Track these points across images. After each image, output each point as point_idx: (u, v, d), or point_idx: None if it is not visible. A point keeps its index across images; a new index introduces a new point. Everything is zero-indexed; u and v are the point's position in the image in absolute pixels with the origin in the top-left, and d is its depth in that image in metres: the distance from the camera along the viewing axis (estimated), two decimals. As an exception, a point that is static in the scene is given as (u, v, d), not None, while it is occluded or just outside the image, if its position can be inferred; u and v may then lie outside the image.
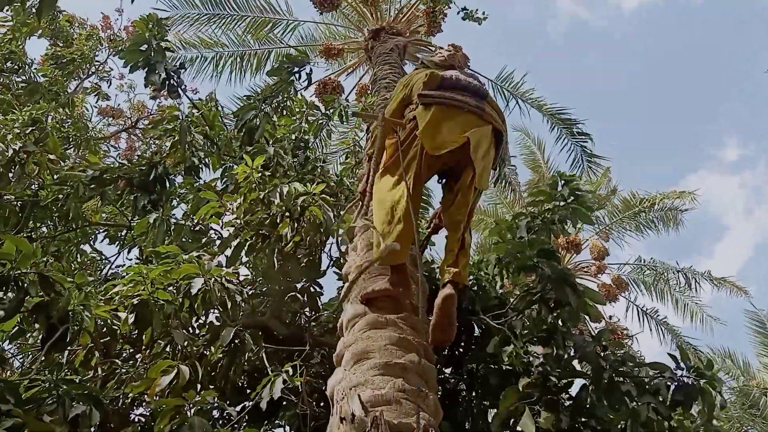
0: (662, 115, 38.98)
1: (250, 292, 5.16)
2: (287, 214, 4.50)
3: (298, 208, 4.47)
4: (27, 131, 5.64)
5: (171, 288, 3.79)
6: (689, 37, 38.75)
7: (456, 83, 3.87)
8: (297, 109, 6.77)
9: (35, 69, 8.01)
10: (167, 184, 6.04)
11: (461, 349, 4.77)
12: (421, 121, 3.73)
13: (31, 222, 5.91)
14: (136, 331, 3.89)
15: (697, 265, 14.79)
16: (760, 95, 37.78)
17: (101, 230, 6.76)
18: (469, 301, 4.66)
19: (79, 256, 6.62)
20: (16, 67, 7.72)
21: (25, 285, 3.26)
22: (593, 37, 40.21)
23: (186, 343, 3.96)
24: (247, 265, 5.27)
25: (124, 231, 6.51)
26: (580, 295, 4.08)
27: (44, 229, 6.36)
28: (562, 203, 4.54)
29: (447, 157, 3.73)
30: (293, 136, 6.46)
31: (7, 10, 6.97)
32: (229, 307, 3.76)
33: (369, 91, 8.65)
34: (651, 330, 14.74)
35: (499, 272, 4.66)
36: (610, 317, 13.99)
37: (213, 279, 3.84)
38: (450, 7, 7.50)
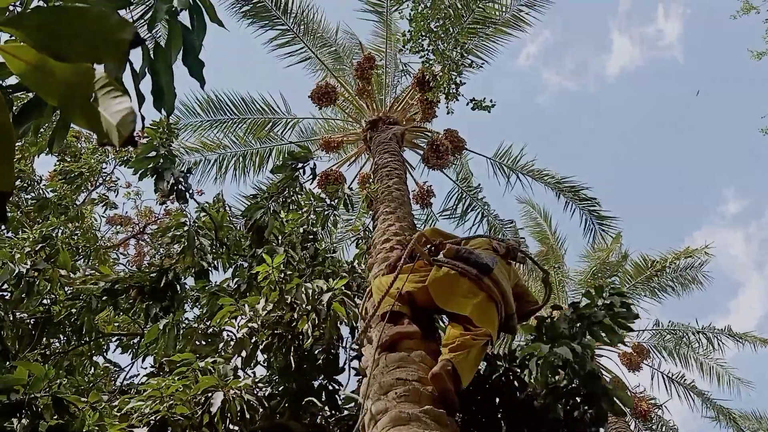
0: (657, 175, 39.34)
1: (267, 393, 5.04)
2: (312, 313, 4.45)
3: (324, 307, 4.43)
4: (37, 248, 5.70)
5: (189, 401, 3.70)
6: (674, 94, 39.65)
7: (469, 257, 4.78)
8: (304, 203, 6.85)
9: (44, 185, 8.19)
10: (178, 290, 6.04)
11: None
12: (433, 276, 4.67)
13: (44, 338, 5.87)
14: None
15: (715, 324, 14.41)
16: (753, 146, 38.22)
17: (114, 340, 6.71)
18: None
19: (93, 368, 6.53)
20: (25, 185, 7.90)
21: (39, 409, 3.19)
22: (582, 106, 41.20)
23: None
24: (263, 363, 5.18)
25: (137, 339, 6.45)
26: (609, 396, 3.97)
27: (57, 343, 6.31)
28: (602, 311, 4.40)
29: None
30: (301, 230, 6.50)
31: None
32: (247, 417, 3.65)
33: (371, 179, 8.78)
34: (679, 396, 14.28)
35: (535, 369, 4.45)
36: (636, 386, 13.60)
37: (232, 392, 3.76)
38: (458, 100, 7.70)
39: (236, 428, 4.13)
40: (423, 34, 7.26)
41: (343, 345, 5.21)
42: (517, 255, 5.43)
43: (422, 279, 4.73)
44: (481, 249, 5.09)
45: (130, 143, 1.07)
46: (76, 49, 1.08)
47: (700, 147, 38.89)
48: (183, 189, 5.77)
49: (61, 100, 1.11)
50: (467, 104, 7.75)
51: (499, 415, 4.43)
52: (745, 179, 37.85)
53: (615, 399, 4.05)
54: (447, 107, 8.05)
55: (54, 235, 5.80)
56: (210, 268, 6.15)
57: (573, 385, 4.05)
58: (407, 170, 9.80)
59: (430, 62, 7.44)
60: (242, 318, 4.76)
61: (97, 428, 3.35)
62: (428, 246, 5.24)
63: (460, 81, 7.65)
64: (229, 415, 3.71)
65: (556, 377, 4.22)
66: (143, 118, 2.28)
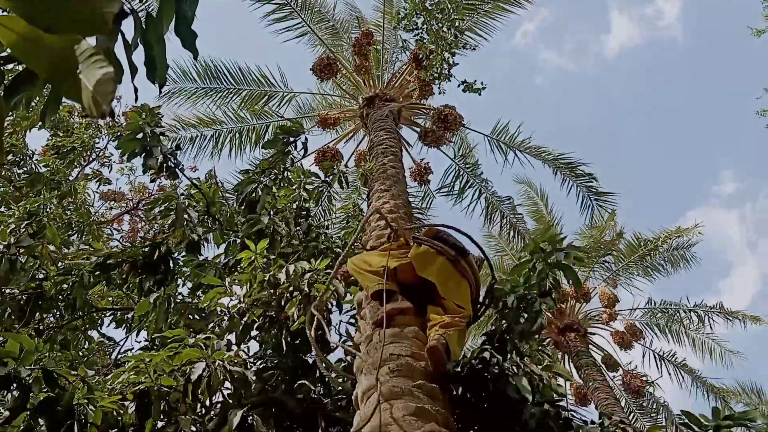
0: (654, 155, 39.32)
1: (260, 366, 5.06)
2: (295, 292, 4.45)
3: (306, 287, 4.42)
4: (23, 225, 5.64)
5: (175, 373, 3.70)
6: (674, 74, 39.49)
7: (447, 239, 4.96)
8: (294, 179, 6.82)
9: (36, 160, 8.12)
10: (171, 264, 6.02)
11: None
12: (416, 249, 4.86)
13: (36, 314, 5.85)
14: (138, 419, 3.78)
15: (704, 300, 14.57)
16: (751, 127, 38.16)
17: (108, 315, 6.70)
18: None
19: (87, 343, 6.54)
20: (17, 159, 7.82)
21: (29, 382, 3.18)
22: (580, 85, 40.99)
23: (193, 429, 3.84)
24: (256, 339, 5.19)
25: (131, 314, 6.45)
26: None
27: (50, 318, 6.30)
28: (547, 265, 4.51)
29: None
30: (294, 206, 6.48)
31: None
32: (233, 389, 3.65)
33: (367, 157, 8.74)
34: (670, 374, 14.45)
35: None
36: (628, 364, 13.74)
37: (216, 363, 3.76)
38: (450, 81, 7.70)
39: (228, 401, 4.15)
40: (417, 12, 7.18)
41: (331, 325, 5.23)
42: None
43: (404, 255, 4.88)
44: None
45: (109, 114, 1.06)
46: (64, 22, 1.08)
47: (698, 127, 38.85)
48: (173, 165, 5.72)
49: (49, 71, 1.12)
50: (458, 86, 7.75)
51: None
52: (743, 160, 37.88)
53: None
54: (439, 88, 8.02)
55: (40, 211, 5.74)
56: (201, 241, 6.12)
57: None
58: (404, 148, 9.75)
59: (424, 41, 7.37)
60: (231, 299, 4.77)
61: (87, 401, 3.35)
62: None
63: (453, 62, 7.61)
64: (212, 386, 3.71)
65: None
66: (136, 90, 2.24)
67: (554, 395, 4.16)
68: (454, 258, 4.78)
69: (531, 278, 4.64)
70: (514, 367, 4.02)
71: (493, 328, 4.70)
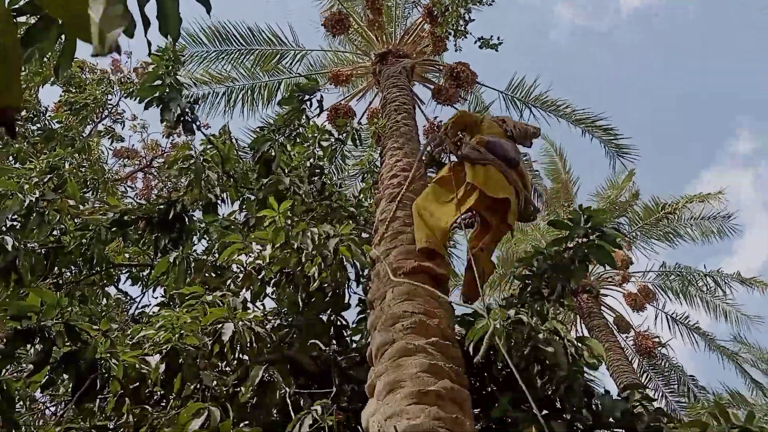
0: (669, 114, 38.72)
1: (276, 324, 5.12)
2: (318, 258, 4.46)
3: (330, 252, 4.42)
4: (45, 179, 5.68)
5: (199, 332, 3.75)
6: (692, 33, 38.56)
7: (498, 150, 5.21)
8: (310, 136, 6.78)
9: (50, 116, 8.11)
10: (187, 222, 6.04)
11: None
12: (477, 174, 5.07)
13: (56, 268, 5.92)
14: (165, 375, 3.85)
15: (719, 264, 14.42)
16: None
17: (124, 271, 6.78)
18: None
19: (105, 299, 6.63)
20: (31, 115, 7.82)
21: (52, 336, 3.24)
22: (597, 41, 40.14)
23: (215, 384, 3.91)
24: (272, 296, 5.24)
25: (147, 271, 6.52)
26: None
27: (68, 274, 6.37)
28: (584, 240, 4.45)
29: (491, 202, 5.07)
30: (308, 163, 6.45)
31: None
32: (256, 349, 3.71)
33: (380, 115, 8.66)
34: (682, 336, 14.45)
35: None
36: (639, 326, 13.78)
37: (241, 323, 3.81)
38: (466, 38, 7.55)
39: (246, 358, 4.22)
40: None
41: (349, 284, 5.27)
42: (527, 141, 5.85)
43: (469, 191, 5.05)
44: (496, 134, 5.53)
45: (115, 48, 1.05)
46: None
47: (715, 86, 38.10)
48: (189, 120, 5.68)
49: (63, 13, 1.10)
50: (475, 42, 7.60)
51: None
52: (760, 120, 37.20)
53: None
54: (455, 44, 7.88)
55: (61, 165, 5.77)
56: (218, 201, 6.14)
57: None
58: (417, 105, 9.64)
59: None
60: (250, 255, 4.78)
61: (109, 355, 3.42)
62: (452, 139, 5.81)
63: (469, 18, 7.45)
64: (238, 346, 3.77)
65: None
66: (149, 44, 2.21)
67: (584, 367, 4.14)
68: (504, 170, 5.11)
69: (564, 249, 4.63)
70: (548, 334, 3.99)
71: (522, 291, 4.71)
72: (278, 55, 10.80)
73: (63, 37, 1.84)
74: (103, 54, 1.06)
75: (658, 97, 38.65)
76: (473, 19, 7.46)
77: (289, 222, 4.69)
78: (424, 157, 6.31)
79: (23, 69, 7.69)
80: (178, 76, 5.72)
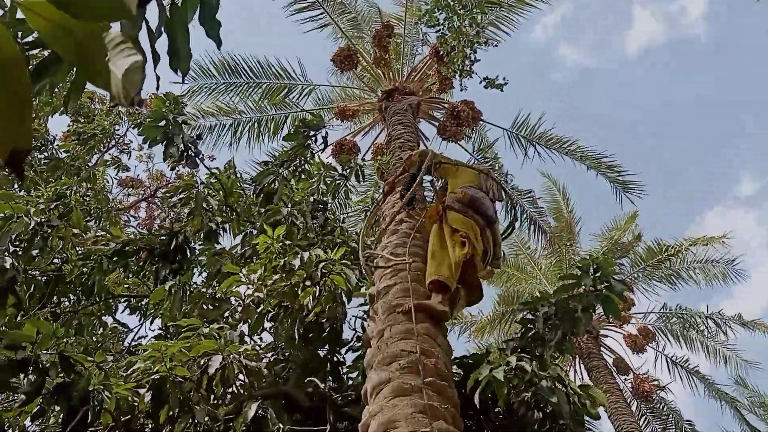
0: (673, 154, 38.90)
1: (272, 358, 5.09)
2: (308, 282, 4.46)
3: (319, 274, 4.42)
4: (51, 206, 5.72)
5: (190, 363, 3.73)
6: (695, 73, 38.97)
7: (480, 208, 5.27)
8: (315, 172, 6.83)
9: (57, 145, 8.20)
10: (188, 253, 6.06)
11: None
12: (457, 221, 5.16)
13: (54, 297, 5.92)
14: (153, 407, 3.81)
15: (720, 305, 14.20)
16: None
17: (123, 301, 6.77)
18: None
19: (101, 328, 6.61)
20: (39, 144, 7.91)
21: (46, 367, 3.22)
22: (599, 82, 40.60)
23: (207, 419, 3.87)
24: (270, 330, 5.21)
25: (146, 301, 6.51)
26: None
27: (67, 303, 6.37)
28: (592, 289, 4.44)
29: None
30: (311, 198, 6.49)
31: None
32: (247, 383, 3.68)
33: (384, 151, 8.72)
34: (682, 380, 14.28)
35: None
36: (639, 368, 13.63)
37: (231, 356, 3.78)
38: (471, 77, 7.68)
39: (241, 392, 4.18)
40: (439, 8, 7.14)
41: (346, 318, 5.24)
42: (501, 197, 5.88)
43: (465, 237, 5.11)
44: (472, 185, 5.56)
45: (138, 102, 1.08)
46: (89, 6, 1.10)
47: (718, 127, 38.33)
48: (193, 155, 5.75)
49: (78, 58, 1.14)
50: (480, 83, 7.71)
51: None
52: (765, 160, 37.34)
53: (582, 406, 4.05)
54: (461, 84, 7.98)
55: (68, 193, 5.81)
56: (219, 230, 6.16)
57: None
58: (422, 142, 9.72)
59: (446, 37, 7.34)
60: (248, 287, 4.77)
61: (102, 387, 3.39)
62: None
63: (475, 58, 7.56)
64: (227, 379, 3.73)
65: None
66: (158, 78, 2.24)
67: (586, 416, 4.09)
68: (482, 228, 5.18)
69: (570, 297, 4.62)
70: (551, 381, 3.94)
71: (524, 334, 4.68)
72: (286, 89, 10.96)
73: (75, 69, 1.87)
74: (125, 106, 1.10)
75: (660, 137, 38.90)
76: (479, 59, 7.58)
77: (281, 246, 4.71)
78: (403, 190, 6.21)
79: (34, 99, 7.79)
80: (182, 115, 5.82)
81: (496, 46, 9.45)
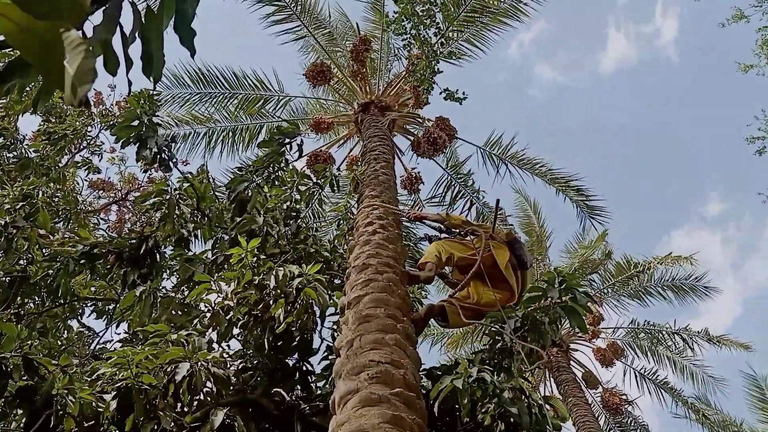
0: (642, 173, 39.70)
1: (240, 366, 5.05)
2: (282, 296, 4.44)
3: (294, 291, 4.42)
4: (17, 206, 5.62)
5: (157, 371, 3.68)
6: (665, 94, 39.88)
7: (519, 250, 5.81)
8: (288, 179, 6.81)
9: (27, 144, 8.06)
10: (158, 258, 5.99)
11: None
12: (496, 247, 5.71)
13: (18, 298, 5.81)
14: (119, 414, 3.76)
15: (685, 323, 14.50)
16: (740, 149, 38.60)
17: (89, 304, 6.66)
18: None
19: (66, 331, 6.49)
20: (8, 143, 7.77)
21: (9, 369, 3.16)
22: (573, 99, 41.30)
23: (173, 426, 3.82)
24: (238, 337, 5.18)
25: (113, 305, 6.41)
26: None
27: (31, 304, 6.25)
28: (558, 301, 4.56)
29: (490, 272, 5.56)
30: (285, 206, 6.47)
31: None
32: (215, 391, 3.64)
33: (359, 163, 8.76)
34: (650, 393, 14.49)
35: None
36: (607, 382, 13.80)
37: (199, 363, 3.75)
38: (433, 89, 7.84)
39: (207, 399, 4.14)
40: (407, 16, 7.25)
41: (317, 329, 5.24)
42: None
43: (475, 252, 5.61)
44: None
45: (84, 103, 1.11)
46: (43, 7, 1.11)
47: (687, 148, 39.22)
48: (166, 158, 5.70)
49: (38, 58, 1.16)
50: (440, 93, 7.87)
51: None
52: (731, 181, 38.28)
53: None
54: (423, 92, 8.15)
55: (35, 194, 5.72)
56: (190, 237, 6.10)
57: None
58: (396, 155, 9.77)
59: (411, 46, 7.46)
60: (218, 295, 4.74)
61: (66, 391, 3.34)
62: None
63: (438, 69, 7.68)
64: (194, 387, 3.70)
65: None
66: (130, 83, 2.24)
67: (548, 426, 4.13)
68: (515, 267, 5.67)
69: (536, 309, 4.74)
70: (513, 392, 3.99)
71: (492, 346, 4.74)
72: (262, 100, 10.92)
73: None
74: (74, 105, 1.11)
75: (630, 156, 39.64)
76: (441, 71, 7.72)
77: (256, 260, 4.69)
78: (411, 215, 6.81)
79: (4, 98, 7.68)
80: (155, 118, 5.77)
81: (459, 59, 9.60)
